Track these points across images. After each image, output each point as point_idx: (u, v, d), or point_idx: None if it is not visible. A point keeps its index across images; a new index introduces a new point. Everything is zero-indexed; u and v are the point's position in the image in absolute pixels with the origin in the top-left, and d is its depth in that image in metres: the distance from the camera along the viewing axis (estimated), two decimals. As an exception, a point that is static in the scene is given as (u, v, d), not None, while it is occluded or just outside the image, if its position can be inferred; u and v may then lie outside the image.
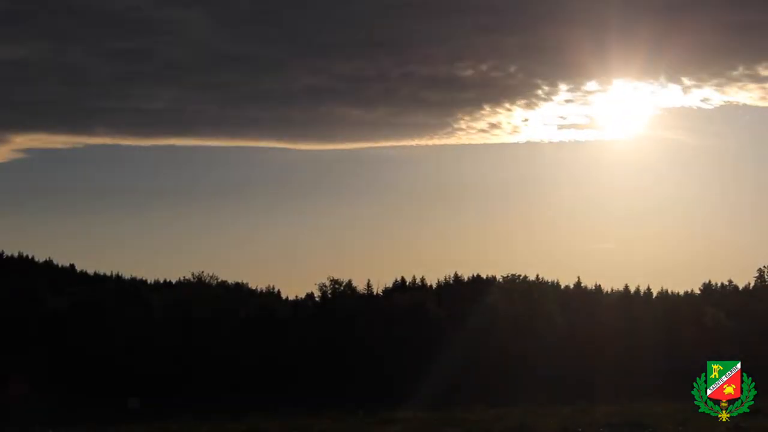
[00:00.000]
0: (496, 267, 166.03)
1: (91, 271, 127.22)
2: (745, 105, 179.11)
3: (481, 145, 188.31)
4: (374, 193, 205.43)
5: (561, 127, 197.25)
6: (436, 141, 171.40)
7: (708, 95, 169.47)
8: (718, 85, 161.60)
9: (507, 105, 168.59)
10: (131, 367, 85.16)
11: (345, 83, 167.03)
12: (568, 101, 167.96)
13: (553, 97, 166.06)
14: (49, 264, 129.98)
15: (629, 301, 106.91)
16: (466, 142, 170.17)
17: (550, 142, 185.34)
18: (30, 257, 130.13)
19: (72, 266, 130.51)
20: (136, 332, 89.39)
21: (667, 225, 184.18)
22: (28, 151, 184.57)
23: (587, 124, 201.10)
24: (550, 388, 73.67)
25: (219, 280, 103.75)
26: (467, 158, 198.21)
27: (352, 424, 29.96)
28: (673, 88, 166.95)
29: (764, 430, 24.35)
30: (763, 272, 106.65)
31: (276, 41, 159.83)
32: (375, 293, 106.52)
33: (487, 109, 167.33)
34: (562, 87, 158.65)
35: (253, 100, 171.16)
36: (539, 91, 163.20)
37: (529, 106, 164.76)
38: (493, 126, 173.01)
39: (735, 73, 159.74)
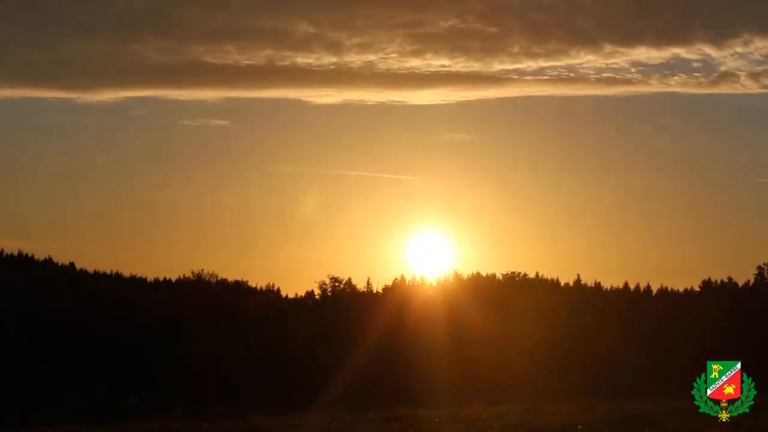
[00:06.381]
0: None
1: (91, 270, 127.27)
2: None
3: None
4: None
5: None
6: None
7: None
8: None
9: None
10: (131, 365, 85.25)
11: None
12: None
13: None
14: (48, 263, 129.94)
15: (629, 298, 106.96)
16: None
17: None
18: (30, 256, 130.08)
19: (72, 264, 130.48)
20: (135, 331, 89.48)
21: (666, 221, 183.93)
22: None
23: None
24: (549, 387, 73.80)
25: (218, 278, 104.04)
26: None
27: (354, 422, 30.05)
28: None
29: (764, 430, 24.39)
30: (763, 269, 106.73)
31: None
32: (375, 291, 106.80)
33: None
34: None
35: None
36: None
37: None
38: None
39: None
